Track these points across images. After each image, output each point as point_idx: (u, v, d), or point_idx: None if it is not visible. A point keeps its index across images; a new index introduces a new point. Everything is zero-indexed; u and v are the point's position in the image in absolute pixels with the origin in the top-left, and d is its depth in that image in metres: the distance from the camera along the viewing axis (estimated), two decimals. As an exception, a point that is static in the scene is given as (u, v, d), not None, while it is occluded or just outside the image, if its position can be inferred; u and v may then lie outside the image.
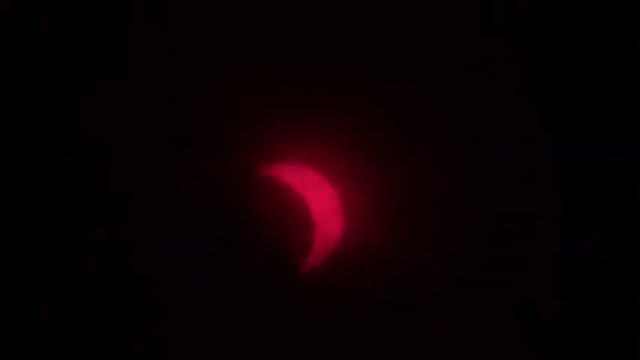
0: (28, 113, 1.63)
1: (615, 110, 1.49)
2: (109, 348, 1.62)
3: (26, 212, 1.63)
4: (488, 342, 1.53)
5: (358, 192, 1.53)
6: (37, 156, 1.63)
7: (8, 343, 1.62)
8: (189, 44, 1.59)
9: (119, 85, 1.61)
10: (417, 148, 1.53)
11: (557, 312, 1.51)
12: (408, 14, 1.53)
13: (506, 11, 1.50)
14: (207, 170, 1.58)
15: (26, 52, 1.62)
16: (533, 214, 1.51)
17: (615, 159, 1.49)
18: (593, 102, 1.50)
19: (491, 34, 1.51)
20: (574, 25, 1.49)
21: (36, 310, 1.63)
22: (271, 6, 1.56)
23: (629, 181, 1.49)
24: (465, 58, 1.51)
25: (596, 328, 1.50)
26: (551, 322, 1.51)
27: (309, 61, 1.55)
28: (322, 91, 1.55)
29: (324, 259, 1.51)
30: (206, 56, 1.59)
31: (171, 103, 1.59)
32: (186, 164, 1.59)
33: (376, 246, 1.54)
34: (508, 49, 1.51)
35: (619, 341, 1.50)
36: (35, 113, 1.63)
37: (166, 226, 1.59)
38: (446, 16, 1.52)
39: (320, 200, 1.47)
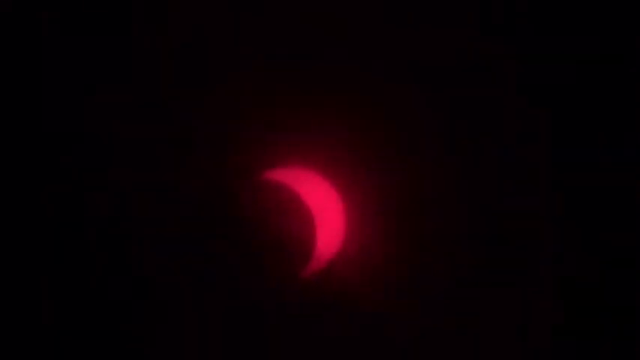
0: (28, 113, 1.63)
1: (615, 110, 1.49)
2: (109, 348, 1.62)
3: (26, 212, 1.63)
4: (488, 342, 1.53)
5: (358, 192, 1.53)
6: (37, 156, 1.63)
7: (8, 343, 1.62)
8: (189, 44, 1.59)
9: (119, 85, 1.61)
10: (417, 148, 1.53)
11: (557, 312, 1.51)
12: (408, 14, 1.53)
13: (506, 11, 1.50)
14: (207, 170, 1.58)
15: (26, 52, 1.63)
16: (533, 214, 1.51)
17: (615, 159, 1.49)
18: (593, 102, 1.50)
19: (491, 34, 1.51)
20: (574, 25, 1.49)
21: (36, 310, 1.63)
22: (271, 6, 1.56)
23: (629, 181, 1.49)
24: (465, 58, 1.51)
25: (596, 328, 1.50)
26: (552, 323, 1.52)
27: (309, 61, 1.55)
28: (322, 91, 1.55)
29: (326, 260, 1.51)
30: (206, 56, 1.59)
31: (171, 103, 1.59)
32: (186, 164, 1.59)
33: (376, 245, 1.54)
34: (508, 49, 1.51)
35: (619, 341, 1.50)
36: (35, 113, 1.63)
37: (166, 226, 1.59)
38: (446, 16, 1.52)
39: (321, 201, 1.47)
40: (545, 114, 1.51)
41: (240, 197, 1.43)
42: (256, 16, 1.57)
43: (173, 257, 1.59)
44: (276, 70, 1.56)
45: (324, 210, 1.47)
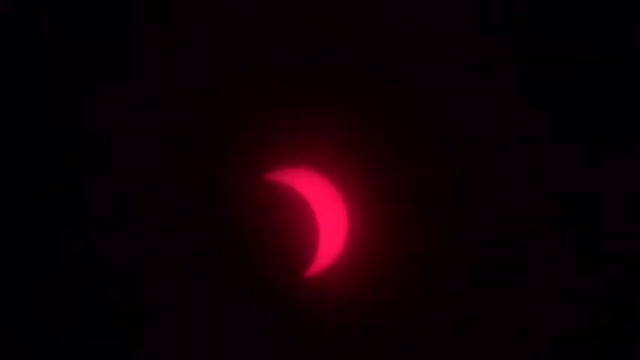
0: (28, 113, 1.63)
1: (615, 110, 1.49)
2: (109, 348, 1.62)
3: (26, 212, 1.63)
4: (488, 342, 1.53)
5: (359, 191, 1.53)
6: (37, 156, 1.63)
7: (8, 343, 1.62)
8: (189, 44, 1.59)
9: (119, 85, 1.61)
10: (417, 148, 1.53)
11: (558, 312, 1.51)
12: (408, 14, 1.53)
13: (506, 11, 1.50)
14: (207, 170, 1.58)
15: (26, 52, 1.62)
16: (533, 214, 1.51)
17: (615, 159, 1.49)
18: (593, 102, 1.50)
19: (491, 34, 1.51)
20: (574, 25, 1.49)
21: (36, 310, 1.63)
22: (271, 6, 1.56)
23: (629, 181, 1.49)
24: (465, 58, 1.51)
25: (595, 328, 1.50)
26: (551, 323, 1.51)
27: (309, 61, 1.55)
28: (322, 91, 1.55)
29: (328, 261, 1.51)
30: (206, 56, 1.59)
31: (171, 103, 1.59)
32: (186, 164, 1.59)
33: (377, 245, 1.54)
34: (508, 49, 1.51)
35: (619, 341, 1.50)
36: (35, 113, 1.63)
37: (166, 226, 1.59)
38: (446, 16, 1.52)
39: (322, 201, 1.47)
40: (545, 114, 1.51)
41: (241, 198, 1.43)
42: (256, 16, 1.57)
43: (173, 257, 1.59)
44: (276, 70, 1.56)
45: (326, 210, 1.47)
